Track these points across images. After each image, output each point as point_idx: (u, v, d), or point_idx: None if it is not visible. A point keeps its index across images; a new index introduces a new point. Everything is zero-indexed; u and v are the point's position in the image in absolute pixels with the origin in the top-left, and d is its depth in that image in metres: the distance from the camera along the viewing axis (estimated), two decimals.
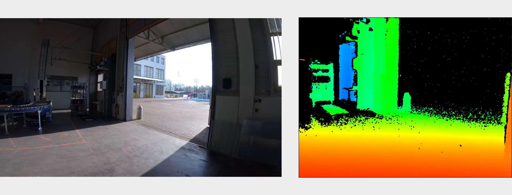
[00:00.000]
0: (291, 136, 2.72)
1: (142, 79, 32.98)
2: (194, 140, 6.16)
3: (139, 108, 10.00)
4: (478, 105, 3.66)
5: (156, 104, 21.54)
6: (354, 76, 5.17)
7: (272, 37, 4.59)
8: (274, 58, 4.58)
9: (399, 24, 4.12)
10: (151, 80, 35.26)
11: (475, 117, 3.65)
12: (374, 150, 3.17)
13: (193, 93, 49.00)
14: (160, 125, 8.65)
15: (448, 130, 3.61)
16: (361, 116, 4.63)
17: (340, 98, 5.32)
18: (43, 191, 2.52)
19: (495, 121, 3.51)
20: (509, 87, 2.93)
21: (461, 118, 3.67)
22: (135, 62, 12.52)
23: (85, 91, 11.58)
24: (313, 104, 5.11)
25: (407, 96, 4.24)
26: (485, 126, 3.64)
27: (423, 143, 3.31)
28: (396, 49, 4.20)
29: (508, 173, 2.44)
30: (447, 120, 3.76)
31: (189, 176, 3.69)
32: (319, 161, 2.83)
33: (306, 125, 3.97)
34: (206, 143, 5.31)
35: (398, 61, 4.24)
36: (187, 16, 3.03)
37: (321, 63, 5.20)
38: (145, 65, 34.56)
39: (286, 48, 2.89)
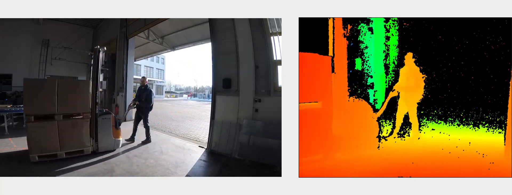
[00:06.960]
0: (291, 136, 2.72)
1: None
2: (194, 140, 6.16)
3: None
4: (480, 106, 3.66)
5: (155, 103, 21.38)
6: None
7: (272, 37, 4.59)
8: (274, 58, 4.58)
9: (399, 24, 4.11)
10: (151, 80, 35.26)
11: (476, 117, 3.65)
12: (374, 149, 3.17)
13: (193, 93, 49.01)
14: (159, 125, 8.66)
15: (447, 130, 3.61)
16: None
17: None
18: (43, 191, 2.52)
19: (497, 123, 3.50)
20: (509, 87, 2.92)
21: (461, 119, 3.67)
22: (135, 62, 12.50)
23: None
24: None
25: None
26: (488, 128, 3.63)
27: (422, 143, 3.31)
28: (396, 49, 4.18)
29: (508, 173, 2.44)
30: (447, 120, 3.75)
31: (189, 176, 3.69)
32: (319, 161, 2.83)
33: None
34: (205, 143, 5.31)
35: (398, 62, 4.21)
36: (187, 16, 3.03)
37: None
38: (145, 65, 34.57)
39: (286, 48, 2.89)
